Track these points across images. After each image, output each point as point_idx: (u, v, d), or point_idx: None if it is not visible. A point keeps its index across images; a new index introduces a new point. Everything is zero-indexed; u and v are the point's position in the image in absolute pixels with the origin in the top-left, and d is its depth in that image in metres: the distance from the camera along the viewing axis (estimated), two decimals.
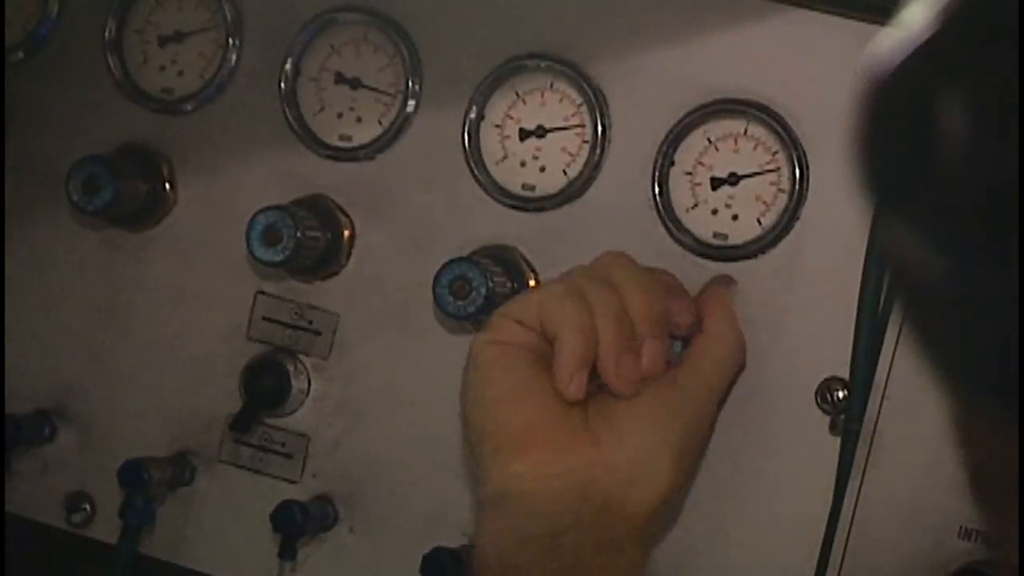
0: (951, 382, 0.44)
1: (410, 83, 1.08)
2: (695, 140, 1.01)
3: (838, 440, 0.99)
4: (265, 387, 1.06)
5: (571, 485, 0.94)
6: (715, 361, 0.99)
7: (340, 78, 1.09)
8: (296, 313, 1.09)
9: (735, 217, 1.00)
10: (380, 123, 1.08)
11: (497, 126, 1.05)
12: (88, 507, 1.06)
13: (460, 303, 0.98)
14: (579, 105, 1.04)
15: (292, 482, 1.07)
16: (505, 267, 1.02)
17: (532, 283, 1.04)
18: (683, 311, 0.98)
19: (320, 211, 1.07)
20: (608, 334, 0.93)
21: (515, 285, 1.03)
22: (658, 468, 0.95)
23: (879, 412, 0.98)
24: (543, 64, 1.05)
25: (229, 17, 1.12)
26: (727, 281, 1.03)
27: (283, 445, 1.07)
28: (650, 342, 0.94)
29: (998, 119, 0.35)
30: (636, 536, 0.94)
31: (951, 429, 0.52)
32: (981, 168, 0.36)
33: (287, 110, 1.09)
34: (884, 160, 0.41)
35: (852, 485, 1.00)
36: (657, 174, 1.01)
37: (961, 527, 1.01)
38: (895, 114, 0.40)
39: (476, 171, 1.04)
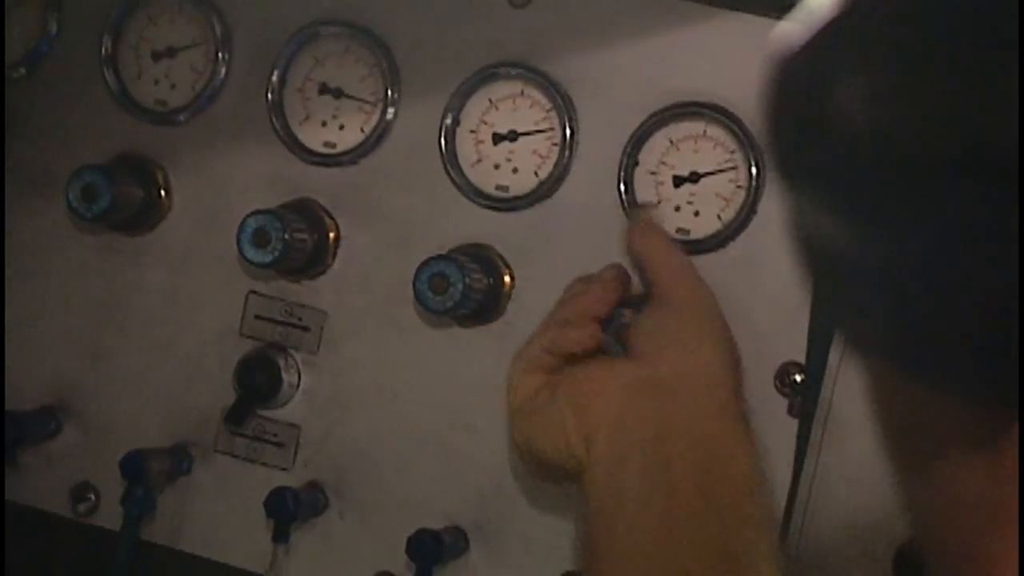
0: (856, 346, 0.48)
1: (389, 92, 1.11)
2: (658, 141, 1.04)
3: (796, 421, 1.03)
4: (258, 381, 1.09)
5: (649, 407, 0.96)
6: (688, 279, 1.02)
7: (324, 88, 1.12)
8: (286, 311, 1.11)
9: (696, 213, 1.04)
10: (362, 130, 1.11)
11: (472, 131, 1.08)
12: (93, 497, 1.10)
13: (439, 298, 1.01)
14: (548, 110, 1.07)
15: (284, 470, 1.10)
16: (481, 264, 1.05)
17: (507, 279, 1.08)
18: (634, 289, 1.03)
19: (307, 214, 1.10)
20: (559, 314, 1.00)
21: (491, 280, 1.06)
22: (703, 352, 0.98)
23: (832, 394, 1.02)
24: (514, 72, 1.07)
25: (218, 33, 1.14)
26: (649, 215, 1.06)
27: (275, 435, 1.10)
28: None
29: (887, 97, 0.39)
30: (725, 412, 0.98)
31: (866, 394, 0.55)
32: (872, 142, 0.40)
33: (274, 119, 1.11)
34: (786, 137, 0.44)
35: (809, 463, 1.03)
36: (622, 174, 1.05)
37: None
38: (795, 95, 0.44)
39: (452, 174, 1.07)
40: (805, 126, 0.43)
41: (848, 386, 1.03)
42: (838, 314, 0.49)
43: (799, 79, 0.44)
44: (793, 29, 0.43)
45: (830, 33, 0.42)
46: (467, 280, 1.02)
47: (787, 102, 0.45)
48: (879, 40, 0.41)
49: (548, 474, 1.03)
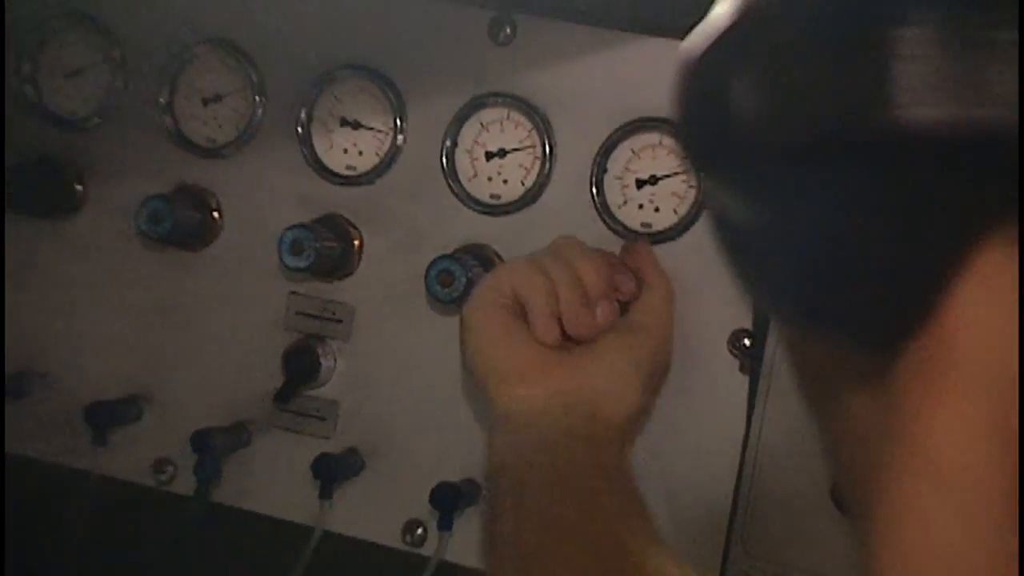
0: (767, 309, 0.54)
1: (398, 122, 1.16)
2: (622, 151, 1.09)
3: (747, 378, 1.08)
4: (301, 366, 1.14)
5: (561, 401, 1.00)
6: (662, 301, 1.07)
7: (344, 121, 1.17)
8: (321, 307, 1.17)
9: (657, 209, 1.08)
10: (377, 155, 1.16)
11: (468, 151, 1.13)
12: (171, 469, 1.16)
13: (446, 291, 1.06)
14: (530, 130, 1.12)
15: (326, 438, 1.16)
16: (481, 261, 1.10)
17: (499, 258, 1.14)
18: (626, 280, 1.05)
19: (334, 226, 1.15)
20: (565, 295, 1.01)
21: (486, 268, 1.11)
22: (630, 383, 1.02)
23: (774, 353, 1.06)
24: (500, 100, 1.12)
25: (255, 80, 1.20)
26: (647, 246, 1.11)
27: (318, 410, 1.16)
28: (603, 302, 1.02)
29: (771, 92, 0.41)
30: (616, 436, 1.00)
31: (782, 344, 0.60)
32: (760, 132, 0.42)
33: (304, 149, 1.17)
34: (693, 128, 0.46)
35: (758, 411, 1.08)
36: (594, 179, 1.10)
37: None
38: (699, 97, 0.45)
39: (453, 186, 1.13)
40: (708, 122, 0.45)
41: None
42: (750, 283, 0.49)
43: (700, 83, 0.46)
44: (693, 43, 0.45)
45: (721, 41, 0.44)
46: (469, 275, 1.06)
47: (693, 103, 0.46)
48: (761, 43, 0.43)
49: (476, 380, 1.07)
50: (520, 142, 1.11)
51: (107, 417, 1.18)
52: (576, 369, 1.01)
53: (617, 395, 1.00)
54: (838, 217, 0.41)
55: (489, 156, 1.12)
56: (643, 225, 1.08)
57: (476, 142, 1.13)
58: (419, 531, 1.14)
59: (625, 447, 1.00)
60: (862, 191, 0.40)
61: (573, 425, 0.98)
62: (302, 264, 1.09)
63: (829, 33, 0.40)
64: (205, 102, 1.18)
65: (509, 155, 1.11)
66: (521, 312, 1.02)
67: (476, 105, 1.12)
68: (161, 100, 1.19)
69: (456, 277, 1.06)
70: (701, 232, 1.07)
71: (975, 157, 0.38)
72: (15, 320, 1.25)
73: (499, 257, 1.12)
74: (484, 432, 1.11)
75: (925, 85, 0.37)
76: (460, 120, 1.12)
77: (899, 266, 0.42)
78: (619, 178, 1.09)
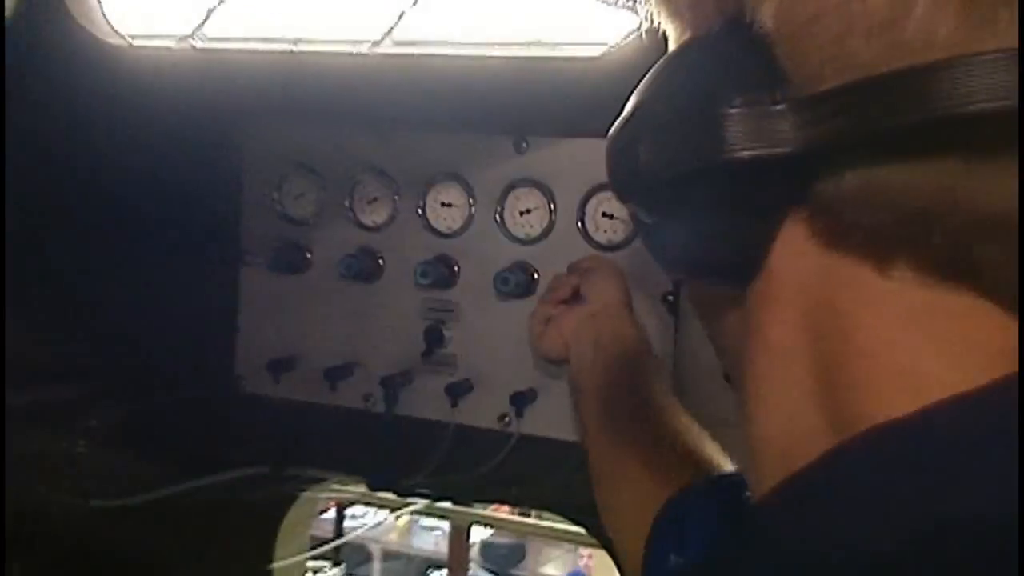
0: (668, 270, 0.63)
1: (471, 200, 1.37)
2: (592, 202, 1.30)
3: (673, 318, 1.29)
4: (433, 337, 1.37)
5: (590, 335, 1.14)
6: (603, 277, 1.19)
7: (443, 204, 1.37)
8: (441, 304, 1.38)
9: (615, 231, 1.30)
10: (462, 219, 1.37)
11: (510, 212, 1.34)
12: (373, 398, 1.39)
13: (504, 288, 1.29)
14: (542, 197, 1.33)
15: (451, 374, 1.37)
16: (523, 271, 1.33)
17: (535, 277, 1.34)
18: (572, 279, 1.20)
19: (444, 260, 1.37)
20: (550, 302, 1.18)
21: (527, 279, 1.33)
22: (611, 295, 1.17)
23: (685, 302, 1.27)
24: (525, 183, 1.33)
25: (396, 186, 1.39)
26: (597, 256, 1.27)
27: (445, 360, 1.38)
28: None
29: (652, 152, 0.48)
30: (617, 347, 1.14)
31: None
32: (650, 174, 0.48)
33: (424, 221, 1.38)
34: (613, 176, 0.52)
35: (680, 338, 1.29)
36: (578, 218, 1.31)
37: None
38: (613, 156, 0.51)
39: (503, 232, 1.34)
40: (618, 172, 0.52)
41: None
42: (659, 258, 0.57)
43: (613, 151, 0.52)
44: (611, 131, 0.52)
45: (621, 128, 0.51)
46: (517, 279, 1.30)
47: (611, 163, 0.53)
48: (641, 123, 0.51)
49: (554, 360, 1.22)
50: (536, 205, 1.34)
51: (337, 374, 1.41)
52: (587, 324, 1.16)
53: (612, 320, 1.16)
54: (697, 216, 0.49)
55: (521, 213, 1.34)
56: (608, 241, 1.30)
57: (514, 207, 1.35)
58: (506, 419, 1.36)
59: (639, 351, 1.14)
60: (708, 199, 0.48)
61: (602, 346, 1.14)
62: (426, 282, 1.35)
63: (679, 112, 0.47)
64: (368, 203, 1.41)
65: (532, 212, 1.34)
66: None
67: (511, 187, 1.34)
68: (345, 204, 1.43)
69: (509, 281, 1.29)
70: (639, 243, 1.16)
71: (770, 175, 0.45)
72: (280, 333, 1.48)
73: (533, 268, 1.34)
74: (533, 362, 1.34)
75: (740, 138, 0.44)
76: (503, 196, 1.34)
77: (740, 239, 0.49)
78: (592, 216, 1.31)
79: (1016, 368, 0.45)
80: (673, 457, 0.99)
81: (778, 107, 0.44)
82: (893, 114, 0.41)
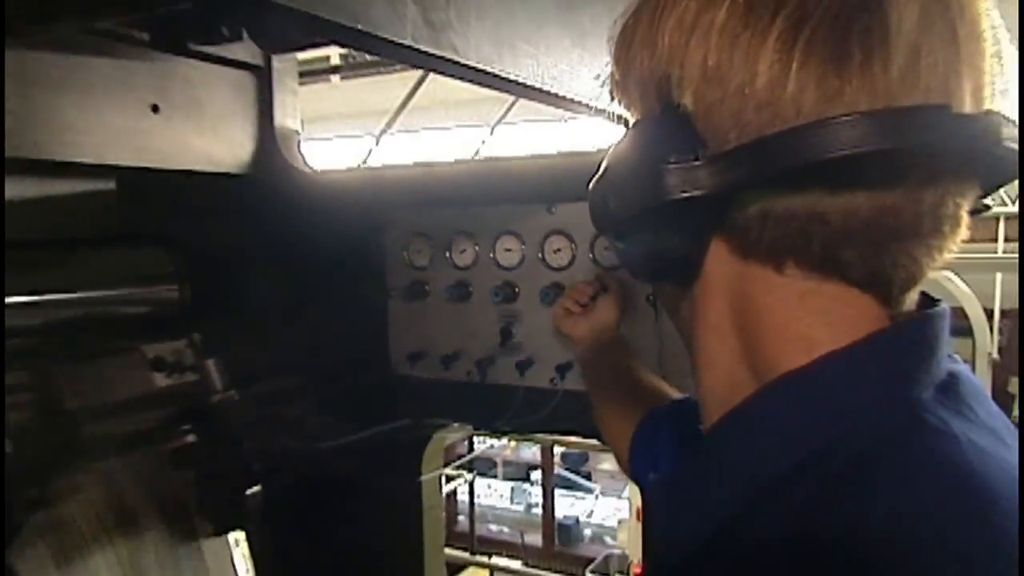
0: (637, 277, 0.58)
1: (523, 246, 1.46)
2: (599, 241, 1.39)
3: (654, 311, 1.33)
4: (506, 332, 1.49)
5: (591, 332, 1.22)
6: (612, 291, 1.26)
7: (499, 265, 1.47)
8: (508, 313, 1.48)
9: (614, 257, 1.31)
10: (522, 258, 1.46)
11: (547, 251, 1.45)
12: (472, 372, 1.50)
13: (547, 298, 1.42)
14: (567, 240, 1.44)
15: (519, 354, 1.48)
16: (558, 287, 1.43)
17: (564, 290, 1.38)
18: (591, 287, 1.27)
19: (511, 286, 1.48)
20: (569, 302, 1.26)
21: (560, 292, 1.41)
22: (610, 320, 1.24)
23: (660, 300, 1.29)
24: (555, 233, 1.43)
25: (431, 244, 1.52)
26: (607, 275, 1.32)
27: (514, 345, 1.49)
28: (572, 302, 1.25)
29: (616, 199, 0.49)
30: (613, 338, 1.22)
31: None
32: (615, 214, 0.50)
33: (493, 264, 1.50)
34: (594, 216, 0.54)
35: (660, 327, 1.31)
36: (591, 252, 1.41)
37: None
38: (595, 196, 0.53)
39: (544, 264, 1.46)
40: (594, 214, 0.54)
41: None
42: (633, 272, 0.57)
43: (595, 196, 0.53)
44: (592, 183, 0.53)
45: (595, 185, 0.53)
46: (554, 293, 1.42)
47: (594, 205, 0.53)
48: (604, 187, 0.52)
49: (565, 336, 1.28)
50: (563, 246, 1.45)
51: (449, 360, 1.51)
52: (592, 322, 1.24)
53: (607, 325, 1.24)
54: (651, 240, 0.50)
55: (554, 252, 1.46)
56: (610, 263, 1.38)
57: (549, 248, 1.46)
58: (553, 381, 1.46)
59: (619, 342, 1.22)
60: (657, 229, 0.49)
61: (598, 338, 1.22)
62: (498, 300, 1.48)
63: (633, 169, 0.48)
64: (460, 252, 1.52)
65: (561, 250, 1.45)
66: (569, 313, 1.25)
67: (547, 235, 1.45)
68: (446, 255, 1.54)
69: (550, 294, 1.42)
70: None
71: (697, 210, 0.45)
72: (413, 336, 1.57)
73: (562, 285, 1.42)
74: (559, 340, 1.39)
75: (675, 185, 0.45)
76: (543, 241, 1.46)
77: (682, 255, 0.50)
78: (599, 250, 1.40)
79: (872, 329, 0.47)
80: (642, 395, 1.06)
81: (699, 162, 0.45)
82: (777, 162, 0.42)
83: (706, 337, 0.52)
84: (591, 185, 0.54)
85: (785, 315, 0.48)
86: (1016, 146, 0.44)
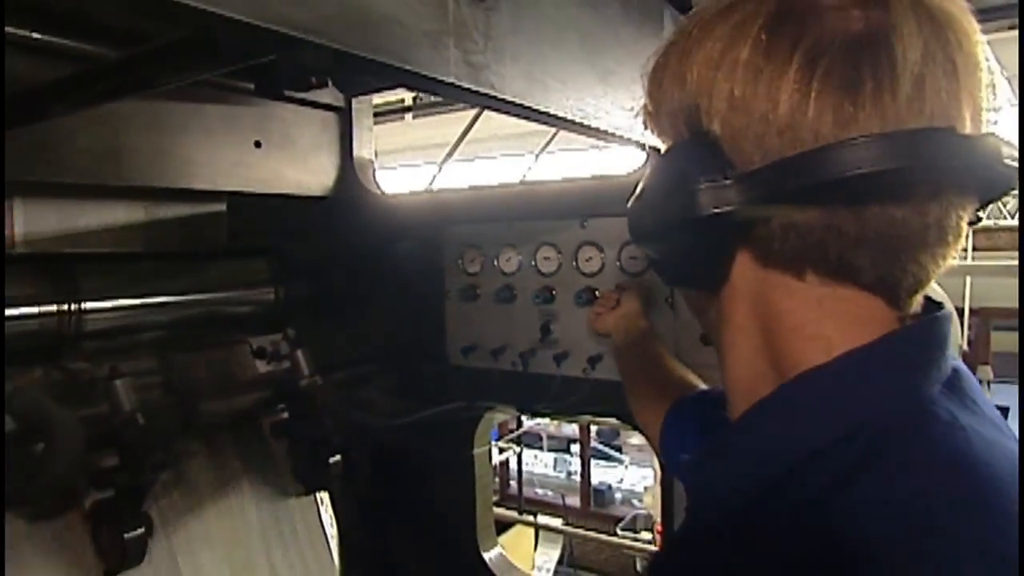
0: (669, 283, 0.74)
1: (559, 254, 1.43)
2: (625, 251, 1.35)
3: (672, 310, 1.28)
4: (545, 328, 1.44)
5: (623, 325, 1.19)
6: (631, 293, 1.24)
7: (540, 286, 1.45)
8: (547, 314, 1.44)
9: (638, 265, 1.33)
10: (559, 268, 1.41)
11: (581, 260, 1.41)
12: (516, 361, 1.45)
13: (581, 301, 1.39)
14: (597, 251, 1.38)
15: (557, 348, 1.43)
16: (590, 291, 1.41)
17: (595, 293, 1.38)
18: (614, 294, 1.27)
19: (549, 290, 1.44)
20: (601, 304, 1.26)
21: (592, 296, 1.39)
22: (637, 314, 1.22)
23: (681, 301, 1.27)
24: (589, 244, 1.38)
25: (483, 254, 1.49)
26: (628, 282, 1.32)
27: (551, 340, 1.43)
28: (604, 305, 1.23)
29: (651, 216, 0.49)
30: (642, 329, 1.18)
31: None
32: (650, 226, 0.49)
33: (534, 271, 1.48)
34: (632, 230, 0.52)
35: (678, 322, 1.29)
36: (618, 260, 1.36)
37: None
38: (633, 214, 0.51)
39: (578, 271, 1.41)
40: (639, 228, 0.52)
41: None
42: (664, 279, 0.60)
43: (634, 213, 0.51)
44: (631, 202, 0.51)
45: (635, 200, 0.51)
46: (587, 296, 1.40)
47: (633, 221, 0.52)
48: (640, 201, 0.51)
49: (599, 334, 1.28)
50: (593, 255, 1.40)
51: (498, 352, 1.49)
52: (622, 319, 1.22)
53: (632, 318, 1.22)
54: (684, 252, 0.50)
55: (586, 260, 1.42)
56: (635, 270, 1.35)
57: (582, 257, 1.42)
58: (586, 371, 1.41)
59: (647, 335, 1.18)
60: (689, 241, 0.48)
61: (626, 329, 1.20)
62: (539, 301, 1.45)
63: (668, 190, 0.47)
64: (506, 261, 1.49)
65: (592, 259, 1.41)
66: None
67: (580, 246, 1.41)
68: (495, 263, 1.51)
69: (583, 297, 1.40)
70: (651, 272, 1.31)
71: (726, 224, 0.44)
72: (467, 332, 1.52)
73: (594, 289, 1.40)
74: (597, 340, 1.39)
75: (706, 202, 0.44)
76: (576, 251, 1.41)
77: (711, 265, 0.49)
78: (624, 259, 1.37)
79: (883, 330, 0.46)
80: (670, 384, 1.03)
81: (727, 182, 0.44)
82: (798, 181, 0.41)
83: (732, 336, 0.50)
84: (630, 203, 0.52)
85: (804, 317, 0.46)
86: (1015, 164, 0.43)
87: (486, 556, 1.61)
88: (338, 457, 1.39)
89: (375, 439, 1.60)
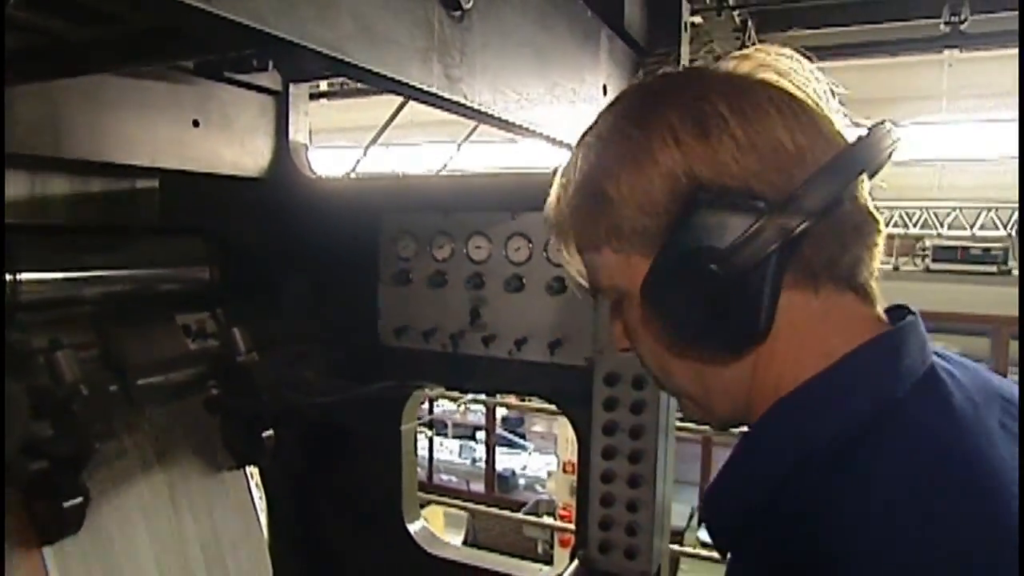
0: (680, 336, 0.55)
1: (490, 244, 1.49)
2: (552, 242, 1.33)
3: None
4: (474, 315, 1.50)
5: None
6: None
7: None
8: (477, 299, 1.49)
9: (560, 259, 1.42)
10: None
11: (511, 250, 1.44)
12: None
13: (509, 290, 1.44)
14: (526, 241, 1.44)
15: (484, 332, 1.47)
16: (519, 279, 1.44)
17: (522, 281, 1.42)
18: None
19: (480, 276, 1.48)
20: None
21: (520, 283, 1.43)
22: None
23: None
24: (518, 234, 1.43)
25: (416, 240, 1.51)
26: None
27: (483, 326, 1.49)
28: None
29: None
30: None
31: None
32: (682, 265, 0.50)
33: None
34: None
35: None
36: (544, 250, 1.42)
37: None
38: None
39: (507, 259, 1.45)
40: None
41: None
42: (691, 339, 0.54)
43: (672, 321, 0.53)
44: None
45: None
46: (515, 284, 1.43)
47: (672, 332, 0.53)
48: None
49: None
50: (522, 245, 1.45)
51: (428, 334, 1.50)
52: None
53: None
54: (709, 298, 0.50)
55: (515, 250, 1.46)
56: (559, 263, 1.36)
57: (512, 247, 1.46)
58: (511, 352, 1.44)
59: None
60: (717, 286, 0.49)
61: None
62: (470, 287, 1.49)
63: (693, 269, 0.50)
64: (439, 248, 1.54)
65: (520, 248, 1.45)
66: None
67: (510, 236, 1.45)
68: (427, 249, 1.54)
69: (511, 284, 1.45)
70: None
71: (767, 261, 0.47)
72: (399, 314, 1.54)
73: (521, 277, 1.44)
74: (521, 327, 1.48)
75: (760, 244, 0.47)
76: (506, 241, 1.45)
77: (761, 305, 0.50)
78: (554, 248, 1.34)
79: (867, 328, 0.50)
80: None
81: (761, 223, 0.48)
82: (820, 200, 0.46)
83: (726, 371, 0.54)
84: (646, 304, 0.54)
85: (812, 329, 0.51)
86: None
87: (411, 528, 1.65)
88: (270, 432, 1.42)
89: (307, 415, 1.59)
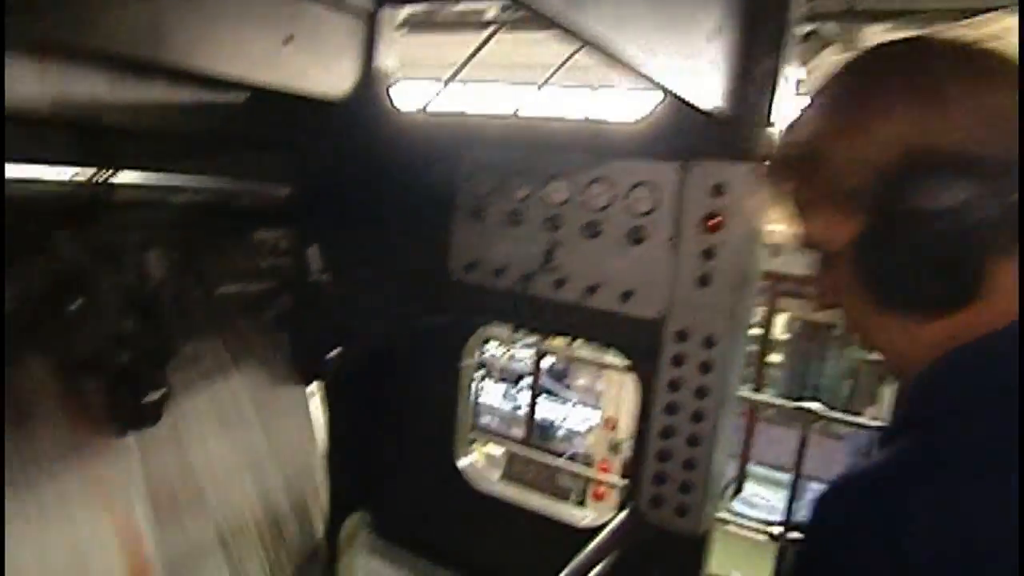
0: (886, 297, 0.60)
1: (569, 188, 1.44)
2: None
3: None
4: (547, 256, 1.47)
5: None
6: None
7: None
8: (550, 241, 1.46)
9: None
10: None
11: (588, 196, 1.42)
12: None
13: (586, 234, 1.42)
14: (608, 194, 1.45)
15: (556, 274, 1.44)
16: (594, 226, 1.42)
17: (600, 229, 1.39)
18: None
19: (555, 220, 1.45)
20: None
21: (597, 231, 1.40)
22: None
23: None
24: (599, 179, 1.38)
25: (493, 175, 1.49)
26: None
27: (555, 268, 1.46)
28: None
29: None
30: None
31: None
32: None
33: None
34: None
35: None
36: (626, 198, 1.41)
37: None
38: None
39: (586, 205, 1.44)
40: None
41: None
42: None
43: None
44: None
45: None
46: (592, 231, 1.41)
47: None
48: None
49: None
50: (603, 192, 1.41)
51: (500, 272, 1.49)
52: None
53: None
54: (927, 259, 0.55)
55: (595, 196, 1.41)
56: (643, 211, 1.39)
57: (591, 192, 1.43)
58: (582, 296, 1.41)
59: None
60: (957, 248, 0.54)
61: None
62: (545, 228, 1.53)
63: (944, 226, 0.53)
64: (517, 188, 1.52)
65: (601, 195, 1.40)
66: None
67: (589, 183, 1.40)
68: (503, 185, 1.59)
69: (589, 229, 1.48)
70: None
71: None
72: (471, 248, 1.53)
73: (597, 224, 1.43)
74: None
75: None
76: (587, 186, 1.41)
77: (959, 272, 0.54)
78: (636, 196, 1.37)
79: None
80: None
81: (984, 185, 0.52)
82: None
83: (926, 329, 0.59)
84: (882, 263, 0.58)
85: (1010, 295, 0.55)
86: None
87: (459, 464, 1.66)
88: (336, 352, 1.47)
89: (372, 341, 1.60)
